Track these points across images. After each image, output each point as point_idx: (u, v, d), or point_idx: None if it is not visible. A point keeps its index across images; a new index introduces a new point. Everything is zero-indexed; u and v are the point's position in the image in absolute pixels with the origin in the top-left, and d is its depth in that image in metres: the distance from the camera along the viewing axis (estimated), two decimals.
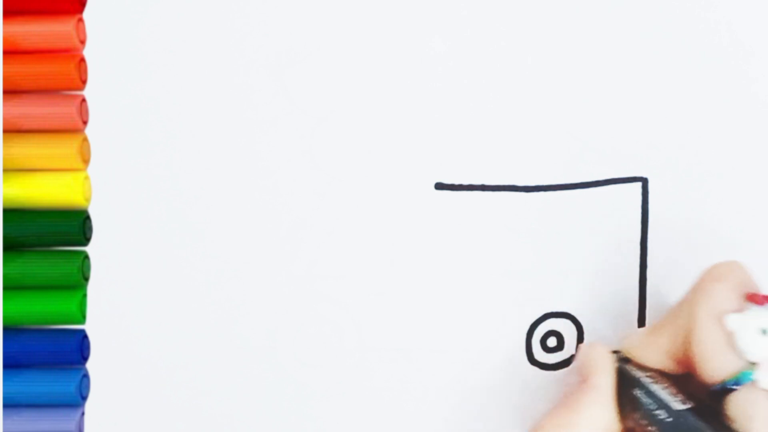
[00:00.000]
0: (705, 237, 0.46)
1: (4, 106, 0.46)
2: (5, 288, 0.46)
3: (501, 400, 0.46)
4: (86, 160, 0.47)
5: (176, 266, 0.47)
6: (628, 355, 0.42)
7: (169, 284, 0.47)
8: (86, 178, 0.47)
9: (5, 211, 0.46)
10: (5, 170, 0.46)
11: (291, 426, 0.47)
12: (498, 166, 0.47)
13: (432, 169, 0.47)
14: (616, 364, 0.42)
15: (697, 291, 0.40)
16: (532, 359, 0.47)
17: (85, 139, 0.47)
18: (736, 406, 0.38)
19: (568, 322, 0.46)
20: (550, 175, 0.47)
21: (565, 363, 0.47)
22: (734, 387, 0.38)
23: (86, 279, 0.47)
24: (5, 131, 0.46)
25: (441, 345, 0.47)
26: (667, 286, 0.46)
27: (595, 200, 0.47)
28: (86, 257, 0.47)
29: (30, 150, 0.46)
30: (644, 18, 0.46)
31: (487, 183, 0.47)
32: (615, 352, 0.43)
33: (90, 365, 0.47)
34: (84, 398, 0.46)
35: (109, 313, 0.47)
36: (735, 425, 0.38)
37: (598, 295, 0.46)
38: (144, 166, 0.47)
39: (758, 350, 0.38)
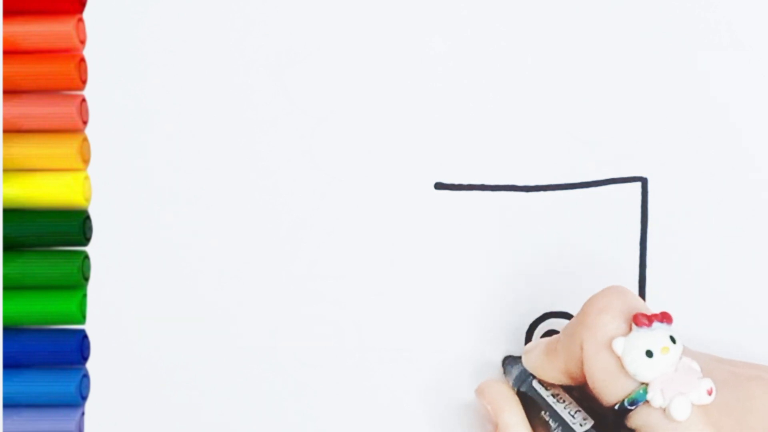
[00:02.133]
0: (705, 237, 0.46)
1: (4, 106, 0.46)
2: (5, 288, 0.46)
3: None
4: (86, 160, 0.47)
5: (176, 266, 0.47)
6: (532, 372, 0.43)
7: (168, 284, 0.47)
8: (86, 178, 0.46)
9: (5, 211, 0.46)
10: (5, 170, 0.46)
11: (291, 426, 0.46)
12: (498, 166, 0.47)
13: (432, 169, 0.47)
14: (520, 388, 0.43)
15: (582, 325, 0.40)
16: None
17: (85, 139, 0.47)
18: (634, 425, 0.39)
19: (567, 322, 0.46)
20: (550, 175, 0.47)
21: None
22: (631, 408, 0.38)
23: (86, 279, 0.47)
24: (5, 131, 0.46)
25: (440, 345, 0.47)
26: (667, 286, 0.46)
27: (595, 200, 0.47)
28: (86, 257, 0.47)
29: (30, 150, 0.46)
30: (644, 18, 0.46)
31: (487, 183, 0.47)
32: (517, 358, 0.44)
33: (90, 365, 0.47)
34: (84, 398, 0.46)
35: (109, 313, 0.47)
36: None
37: None
38: (144, 166, 0.47)
39: (646, 371, 0.38)
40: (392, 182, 0.47)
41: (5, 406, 0.46)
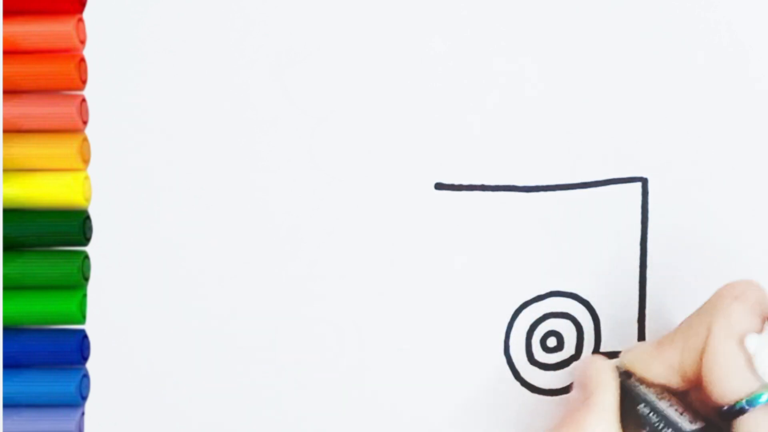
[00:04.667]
0: (705, 237, 0.46)
1: (4, 106, 0.46)
2: (5, 288, 0.46)
3: (501, 400, 0.46)
4: (86, 160, 0.47)
5: (176, 266, 0.47)
6: (631, 369, 0.41)
7: (169, 284, 0.47)
8: (86, 178, 0.47)
9: (5, 211, 0.46)
10: (5, 170, 0.46)
11: (291, 426, 0.47)
12: (498, 166, 0.47)
13: (432, 169, 0.47)
14: (618, 379, 0.41)
15: (713, 309, 0.39)
16: (531, 359, 0.47)
17: (85, 139, 0.47)
18: (746, 427, 0.38)
19: (567, 322, 0.46)
20: (550, 175, 0.47)
21: (565, 363, 0.47)
22: (747, 408, 0.37)
23: (86, 279, 0.47)
24: (5, 131, 0.46)
25: (441, 345, 0.47)
26: (667, 287, 0.46)
27: (595, 200, 0.47)
28: (86, 257, 0.47)
29: (30, 150, 0.46)
30: (644, 18, 0.46)
31: (487, 183, 0.47)
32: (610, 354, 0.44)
33: (90, 365, 0.47)
34: (84, 398, 0.46)
35: (109, 313, 0.47)
36: None
37: (597, 296, 0.46)
38: (144, 166, 0.47)
39: None
40: (392, 182, 0.47)
41: (5, 406, 0.46)
